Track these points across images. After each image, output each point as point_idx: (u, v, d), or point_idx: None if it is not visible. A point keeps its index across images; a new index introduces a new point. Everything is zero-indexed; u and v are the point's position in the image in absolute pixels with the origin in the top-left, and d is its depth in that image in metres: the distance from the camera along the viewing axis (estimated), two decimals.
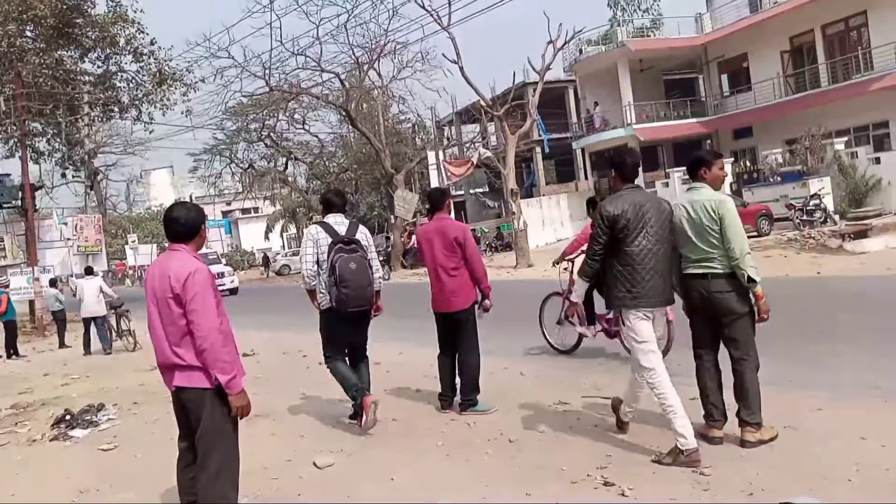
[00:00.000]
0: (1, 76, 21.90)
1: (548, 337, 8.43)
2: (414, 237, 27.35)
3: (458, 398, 6.06)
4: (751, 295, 4.49)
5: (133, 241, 50.89)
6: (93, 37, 24.03)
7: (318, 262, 5.62)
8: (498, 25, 76.51)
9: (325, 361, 5.93)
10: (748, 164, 25.44)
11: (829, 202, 19.57)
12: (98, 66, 25.54)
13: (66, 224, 29.02)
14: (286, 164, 44.04)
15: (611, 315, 7.31)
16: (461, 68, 23.76)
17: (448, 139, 40.84)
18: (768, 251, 16.58)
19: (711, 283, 4.50)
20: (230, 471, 3.68)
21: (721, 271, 4.47)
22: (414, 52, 34.28)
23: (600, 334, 7.75)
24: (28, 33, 23.18)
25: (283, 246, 52.54)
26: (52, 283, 17.60)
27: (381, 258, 24.32)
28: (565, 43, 24.92)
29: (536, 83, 24.98)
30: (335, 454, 5.15)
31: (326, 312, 5.71)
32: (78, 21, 23.24)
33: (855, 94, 24.00)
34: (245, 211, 63.02)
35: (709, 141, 31.06)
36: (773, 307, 4.54)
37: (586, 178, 35.28)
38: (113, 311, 13.98)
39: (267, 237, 54.05)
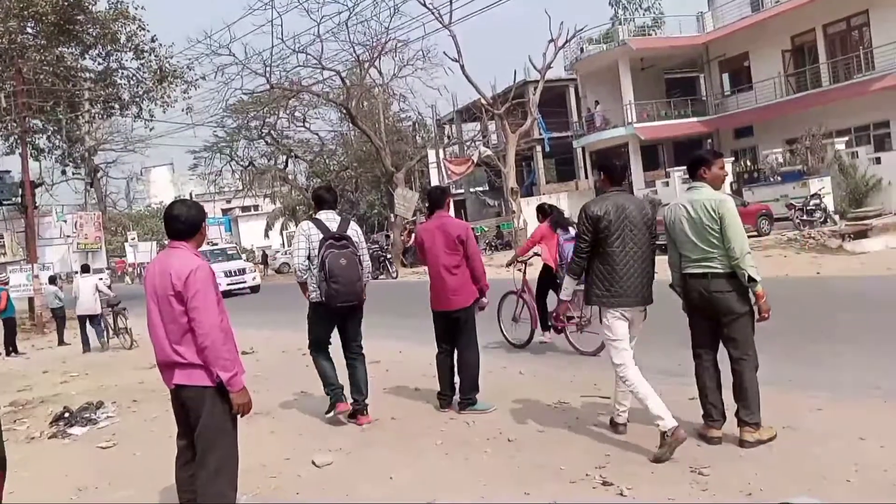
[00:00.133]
0: (2, 73, 21.90)
1: (505, 333, 8.86)
2: (413, 235, 27.35)
3: (457, 397, 6.06)
4: (751, 294, 4.49)
5: (133, 239, 50.88)
6: (94, 33, 24.04)
7: (309, 256, 5.73)
8: (499, 24, 76.50)
9: (309, 352, 6.08)
10: (749, 163, 25.45)
11: (829, 202, 19.57)
12: (99, 63, 25.57)
13: (65, 221, 28.99)
14: (286, 162, 43.99)
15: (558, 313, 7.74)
16: (462, 66, 23.78)
17: (448, 137, 40.81)
18: (768, 251, 16.58)
19: (711, 283, 4.50)
20: (229, 469, 3.68)
21: (721, 271, 4.47)
22: (415, 49, 34.47)
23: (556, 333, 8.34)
24: (29, 30, 23.19)
25: (283, 244, 52.50)
26: (52, 280, 17.60)
27: (388, 256, 24.45)
28: (566, 41, 24.96)
29: (537, 82, 25.01)
30: (334, 453, 5.15)
31: (316, 305, 5.82)
32: (79, 18, 23.23)
33: (856, 93, 23.99)
34: (245, 209, 62.94)
35: (709, 140, 31.06)
36: (773, 307, 4.54)
37: (587, 176, 35.27)
38: (110, 309, 13.99)
39: (267, 235, 53.99)
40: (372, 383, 6.25)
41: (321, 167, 42.66)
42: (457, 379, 6.08)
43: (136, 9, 23.93)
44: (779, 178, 22.01)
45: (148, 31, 24.20)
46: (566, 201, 31.99)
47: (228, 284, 23.84)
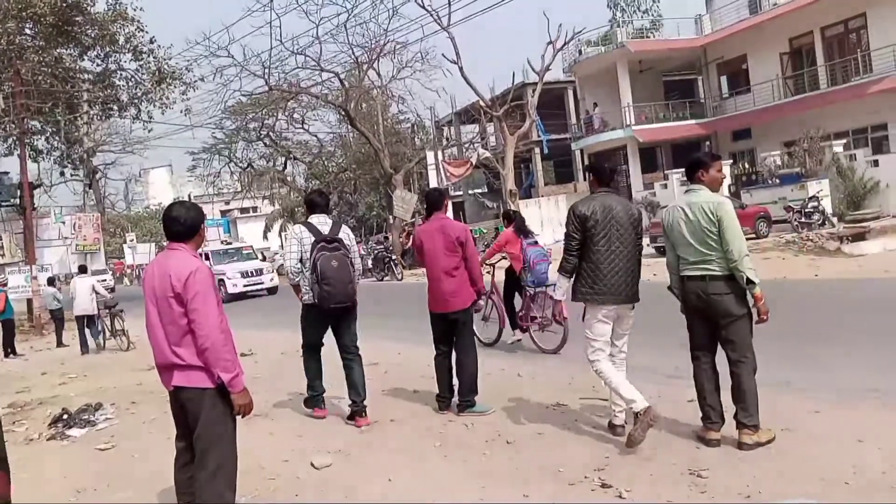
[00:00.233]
0: (0, 74, 21.87)
1: (476, 332, 8.93)
2: (412, 237, 27.27)
3: (455, 399, 6.07)
4: (749, 296, 4.50)
5: (131, 240, 50.82)
6: (92, 35, 24.02)
7: (301, 260, 5.88)
8: (498, 26, 76.60)
9: (301, 352, 6.29)
10: (747, 165, 25.47)
11: (827, 204, 19.59)
12: (97, 65, 25.55)
13: (64, 223, 28.95)
14: (285, 164, 43.98)
15: (523, 313, 8.73)
16: (461, 68, 23.79)
17: (447, 139, 40.83)
18: (766, 253, 16.60)
19: (709, 285, 4.51)
20: (228, 470, 3.68)
21: (719, 273, 4.48)
22: (413, 51, 34.34)
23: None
24: (27, 31, 23.18)
25: (282, 245, 52.47)
26: (51, 281, 17.59)
27: (393, 258, 24.26)
28: (565, 44, 24.96)
29: (536, 84, 25.02)
30: (333, 454, 5.15)
31: (308, 307, 5.99)
32: (77, 19, 23.22)
33: (854, 96, 24.02)
34: (244, 210, 62.96)
35: (707, 142, 31.08)
36: (771, 309, 4.55)
37: (585, 178, 35.19)
38: (107, 310, 14.00)
39: (265, 236, 53.97)
40: (371, 385, 6.25)
41: (320, 169, 42.65)
42: (455, 381, 6.08)
43: (135, 10, 23.94)
44: (777, 181, 22.03)
45: (146, 32, 24.20)
46: (564, 203, 32.04)
47: (245, 286, 23.38)
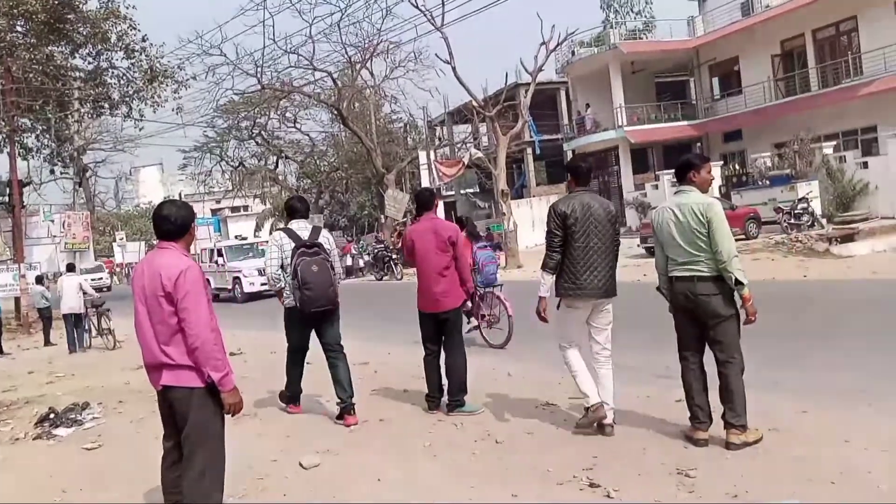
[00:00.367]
0: None
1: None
2: (402, 237, 27.11)
3: (445, 399, 6.07)
4: (737, 297, 4.52)
5: (121, 239, 50.61)
6: (84, 32, 23.89)
7: (282, 266, 6.01)
8: (491, 26, 76.65)
9: (286, 353, 6.43)
10: (737, 167, 25.56)
11: (816, 206, 19.68)
12: (89, 63, 25.39)
13: (53, 221, 28.76)
14: (277, 163, 43.88)
15: (473, 311, 9.11)
16: (454, 68, 23.73)
17: (439, 139, 40.80)
18: (756, 254, 16.67)
19: (697, 286, 4.53)
20: (216, 470, 3.66)
21: (707, 274, 4.50)
22: (407, 51, 34.32)
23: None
24: (19, 28, 23.01)
25: None
26: (39, 280, 17.48)
27: (393, 257, 23.92)
28: (558, 44, 24.92)
29: (528, 84, 24.98)
30: (321, 454, 5.14)
31: (291, 310, 6.10)
32: (69, 16, 23.08)
33: (844, 98, 24.17)
34: (235, 209, 62.62)
35: (699, 144, 31.20)
36: (760, 310, 4.57)
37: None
38: (94, 309, 13.94)
39: (256, 236, 53.84)
40: (360, 385, 6.24)
41: (312, 168, 42.58)
42: (445, 381, 6.08)
43: (127, 8, 23.81)
44: (767, 182, 22.12)
45: (139, 30, 24.08)
46: None
47: (262, 284, 20.51)
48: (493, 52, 76.14)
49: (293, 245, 5.91)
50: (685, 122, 31.04)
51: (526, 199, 33.30)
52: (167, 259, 3.60)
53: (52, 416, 7.08)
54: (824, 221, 19.19)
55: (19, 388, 9.54)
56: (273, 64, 30.81)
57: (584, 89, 33.04)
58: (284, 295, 6.08)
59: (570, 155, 35.24)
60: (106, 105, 25.97)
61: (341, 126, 34.89)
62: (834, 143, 23.56)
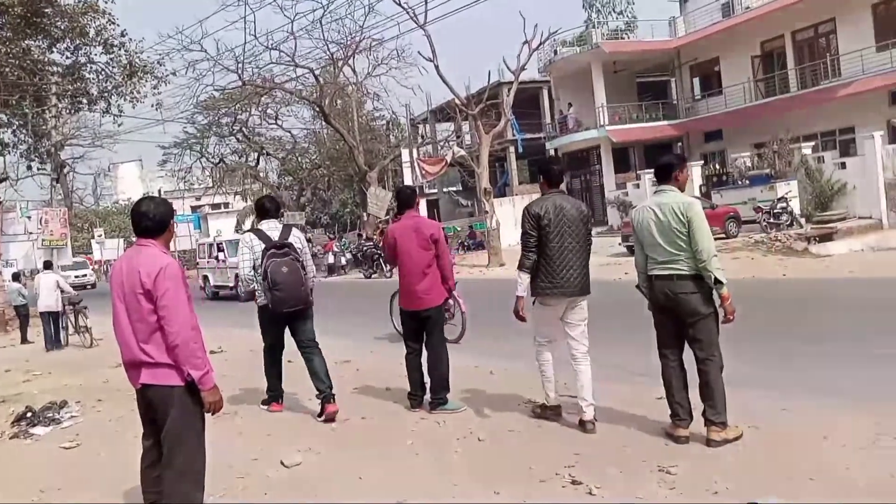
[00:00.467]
0: None
1: (396, 326, 9.23)
2: (384, 234, 27.08)
3: (427, 397, 6.06)
4: (716, 296, 4.56)
5: (99, 236, 50.00)
6: (62, 27, 23.53)
7: (254, 266, 6.02)
8: (474, 24, 76.63)
9: (263, 352, 6.51)
10: (717, 166, 25.78)
11: (795, 206, 19.88)
12: (67, 57, 24.96)
13: (29, 217, 28.37)
14: (258, 160, 43.59)
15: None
16: (436, 66, 23.70)
17: (422, 137, 40.75)
18: (735, 253, 16.82)
19: (677, 285, 4.56)
20: (196, 470, 3.63)
21: (687, 273, 4.53)
22: (389, 48, 34.26)
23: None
24: None
25: None
26: (16, 277, 17.21)
27: (382, 255, 23.86)
28: (540, 44, 24.98)
29: (511, 83, 25.00)
30: (303, 453, 5.11)
31: (264, 309, 6.15)
32: (47, 10, 22.72)
33: (823, 99, 24.45)
34: (215, 206, 62.16)
35: (679, 143, 31.41)
36: (739, 308, 4.61)
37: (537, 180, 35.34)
38: (71, 307, 13.78)
39: (237, 232, 53.48)
40: (342, 383, 6.22)
41: (293, 165, 42.34)
42: (427, 379, 6.08)
43: (106, 2, 23.50)
44: (747, 182, 22.31)
45: (118, 25, 23.73)
46: None
47: None
48: (476, 51, 76.20)
49: (263, 246, 5.94)
50: (666, 122, 31.24)
51: (508, 198, 33.33)
52: (146, 256, 3.56)
53: (29, 414, 6.98)
54: (803, 221, 19.41)
55: None
56: (254, 60, 30.51)
57: (566, 88, 33.15)
58: (257, 295, 6.13)
59: (552, 154, 35.41)
60: (84, 100, 25.61)
61: (323, 123, 34.75)
62: (812, 143, 23.82)
